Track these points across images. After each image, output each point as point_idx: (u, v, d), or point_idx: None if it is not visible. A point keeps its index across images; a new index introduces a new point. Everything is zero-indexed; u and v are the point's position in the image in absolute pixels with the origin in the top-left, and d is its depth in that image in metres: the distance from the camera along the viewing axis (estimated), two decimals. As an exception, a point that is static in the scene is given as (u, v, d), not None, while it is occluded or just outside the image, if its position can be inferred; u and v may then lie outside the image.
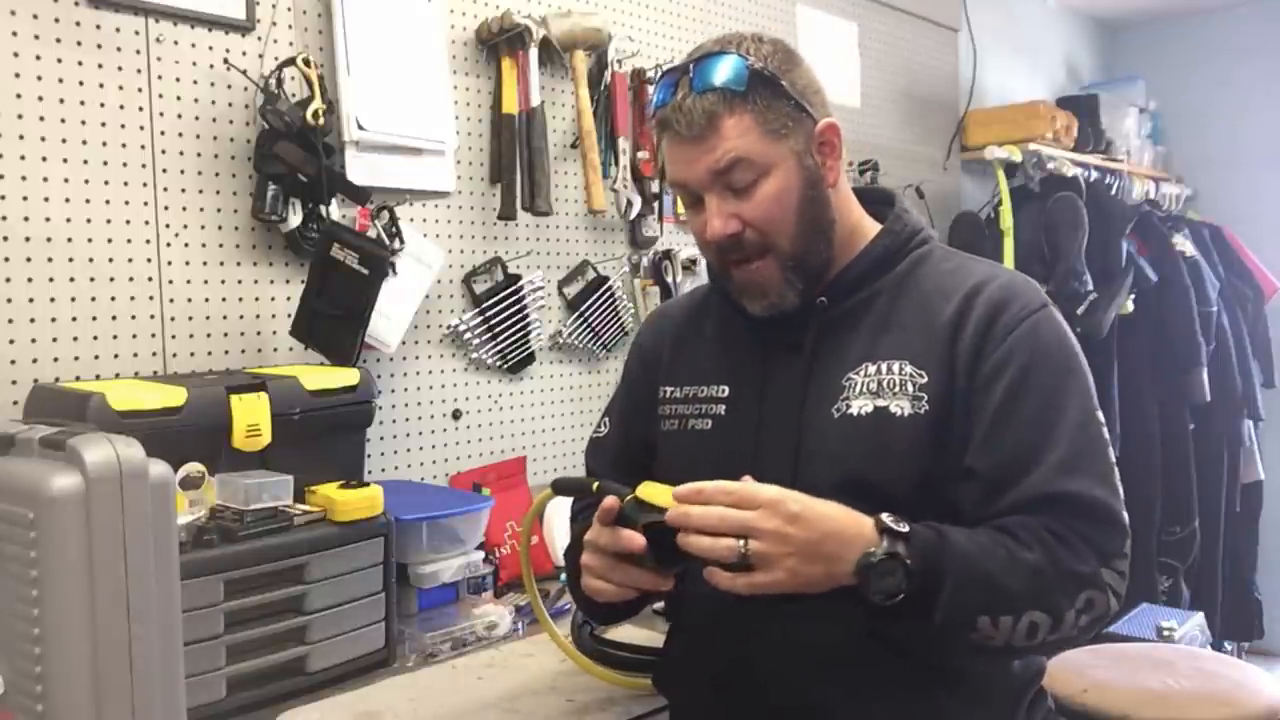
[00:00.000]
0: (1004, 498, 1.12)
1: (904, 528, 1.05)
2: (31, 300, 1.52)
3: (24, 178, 1.51)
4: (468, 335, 2.07)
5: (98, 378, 1.58)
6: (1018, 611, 1.06)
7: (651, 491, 1.10)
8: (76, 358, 1.56)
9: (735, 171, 1.16)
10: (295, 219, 1.75)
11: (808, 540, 1.03)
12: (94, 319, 1.58)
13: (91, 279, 1.58)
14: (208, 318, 1.71)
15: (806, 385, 1.20)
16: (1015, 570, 1.06)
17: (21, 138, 1.50)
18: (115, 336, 1.60)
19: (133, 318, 1.62)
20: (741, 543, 1.02)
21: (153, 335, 1.65)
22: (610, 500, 1.12)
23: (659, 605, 1.55)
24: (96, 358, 1.58)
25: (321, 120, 1.69)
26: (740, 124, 1.15)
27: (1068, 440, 1.12)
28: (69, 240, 1.55)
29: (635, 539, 1.09)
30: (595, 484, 1.17)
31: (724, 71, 1.15)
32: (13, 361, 1.50)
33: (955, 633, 1.07)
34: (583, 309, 2.27)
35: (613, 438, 1.41)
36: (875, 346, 1.19)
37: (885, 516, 1.06)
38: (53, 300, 1.54)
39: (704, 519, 1.04)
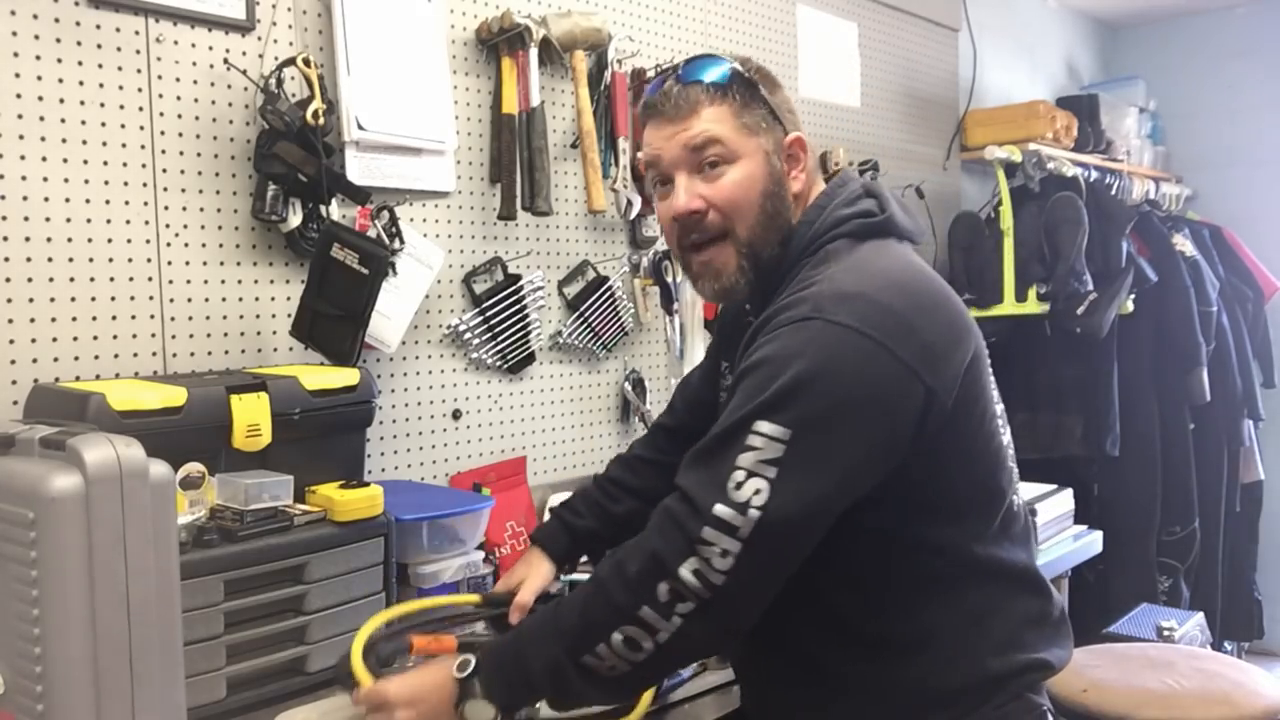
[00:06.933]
0: None
1: (467, 669, 1.18)
2: (31, 300, 1.52)
3: (24, 178, 1.51)
4: (468, 335, 2.07)
5: (98, 378, 1.58)
6: (602, 635, 1.13)
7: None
8: (76, 358, 1.57)
9: (708, 149, 1.27)
10: (295, 219, 1.75)
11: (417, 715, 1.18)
12: (94, 319, 1.58)
13: (91, 279, 1.58)
14: (208, 318, 1.71)
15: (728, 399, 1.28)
16: (574, 602, 1.17)
17: (21, 138, 1.50)
18: (115, 336, 1.60)
19: (133, 318, 1.62)
20: None
21: (153, 335, 1.65)
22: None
23: None
24: (96, 358, 1.58)
25: (321, 120, 1.69)
26: (718, 113, 1.27)
27: (716, 447, 1.15)
28: (69, 240, 1.55)
29: None
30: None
31: (710, 70, 1.29)
32: (13, 361, 1.50)
33: (571, 678, 1.14)
34: (583, 309, 2.28)
35: None
36: None
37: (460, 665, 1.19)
38: (53, 300, 1.54)
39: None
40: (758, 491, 1.10)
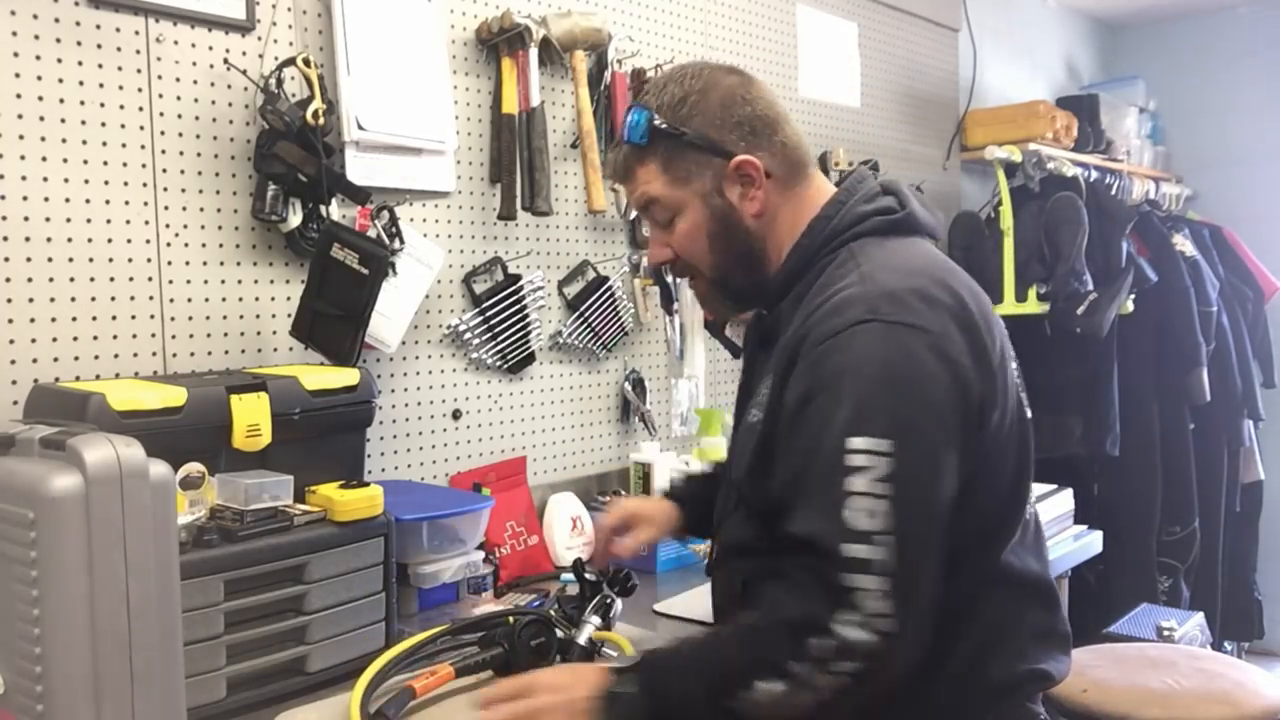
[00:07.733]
0: (779, 531, 1.12)
1: (625, 662, 1.15)
2: (31, 300, 1.52)
3: (24, 178, 1.51)
4: (468, 335, 2.07)
5: (98, 378, 1.58)
6: (744, 683, 1.06)
7: None
8: (76, 358, 1.57)
9: (652, 209, 1.32)
10: (295, 219, 1.75)
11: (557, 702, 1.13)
12: (94, 319, 1.58)
13: (91, 279, 1.58)
14: (208, 318, 1.71)
15: (745, 394, 1.35)
16: (726, 641, 1.13)
17: (21, 138, 1.50)
18: (115, 336, 1.60)
19: (133, 318, 1.62)
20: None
21: (153, 335, 1.65)
22: None
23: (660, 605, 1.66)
24: (96, 358, 1.58)
25: (321, 120, 1.69)
26: (647, 172, 1.30)
27: (815, 479, 1.08)
28: (69, 240, 1.56)
29: None
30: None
31: (633, 129, 1.29)
32: (13, 361, 1.50)
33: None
34: (583, 309, 2.28)
35: None
36: (771, 359, 1.24)
37: (616, 660, 1.19)
38: (53, 300, 1.54)
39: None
40: (874, 514, 1.03)
